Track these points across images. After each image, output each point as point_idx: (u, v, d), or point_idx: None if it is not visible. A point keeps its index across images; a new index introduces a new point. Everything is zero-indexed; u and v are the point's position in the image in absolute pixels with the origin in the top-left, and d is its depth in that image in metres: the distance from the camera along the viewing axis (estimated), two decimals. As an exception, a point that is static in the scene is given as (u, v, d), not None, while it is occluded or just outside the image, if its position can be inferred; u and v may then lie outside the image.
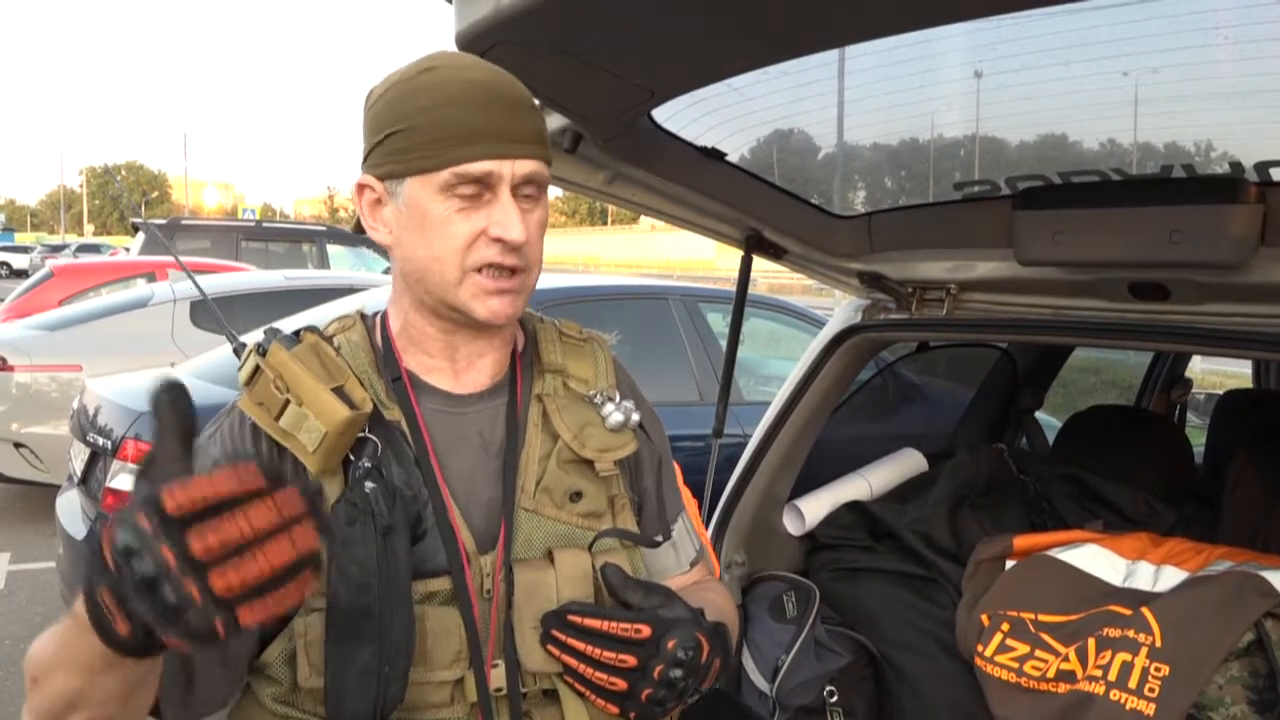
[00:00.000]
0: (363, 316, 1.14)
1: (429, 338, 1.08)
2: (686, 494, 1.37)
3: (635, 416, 1.15)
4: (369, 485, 0.99)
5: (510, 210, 0.99)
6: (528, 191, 1.02)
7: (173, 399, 0.74)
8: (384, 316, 1.13)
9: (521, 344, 1.16)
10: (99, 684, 0.80)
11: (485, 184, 0.99)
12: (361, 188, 1.05)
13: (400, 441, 1.04)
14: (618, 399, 1.15)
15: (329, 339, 1.08)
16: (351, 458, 1.01)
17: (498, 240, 0.99)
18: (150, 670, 0.82)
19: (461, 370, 1.10)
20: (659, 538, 1.20)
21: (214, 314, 1.32)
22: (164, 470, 0.71)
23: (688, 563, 1.25)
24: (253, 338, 1.06)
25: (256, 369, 1.01)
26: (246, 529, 0.66)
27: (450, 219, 0.99)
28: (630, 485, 1.17)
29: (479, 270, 1.01)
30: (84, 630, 0.74)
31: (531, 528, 1.07)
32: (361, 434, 1.01)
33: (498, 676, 1.02)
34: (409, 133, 0.98)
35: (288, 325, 1.15)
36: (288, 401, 0.98)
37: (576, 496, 1.09)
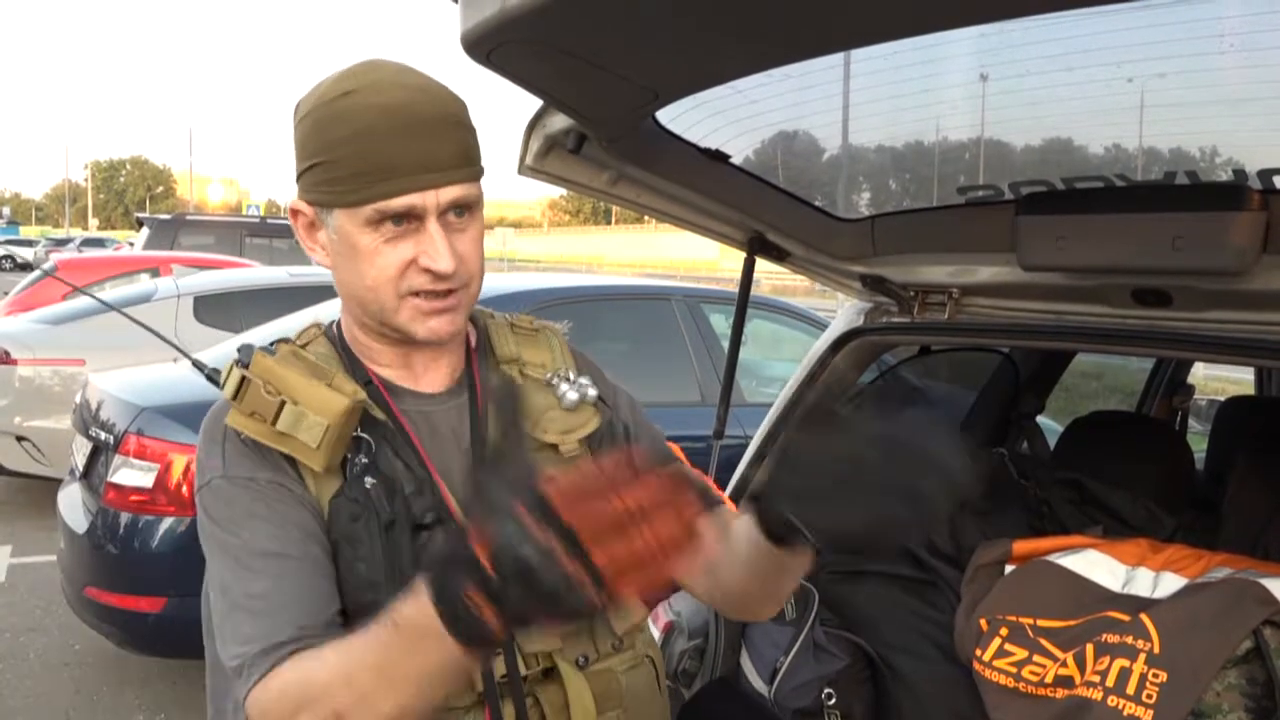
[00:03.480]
0: (321, 328, 1.15)
1: (379, 351, 1.10)
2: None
3: (591, 392, 1.16)
4: (369, 481, 0.99)
5: (438, 241, 0.99)
6: (458, 213, 1.01)
7: (507, 390, 0.78)
8: (339, 325, 1.14)
9: (475, 340, 1.17)
10: (438, 687, 0.81)
11: (410, 215, 0.99)
12: (295, 212, 1.06)
13: (394, 437, 1.05)
14: (572, 378, 1.16)
15: (302, 348, 1.09)
16: (348, 456, 1.01)
17: (427, 269, 1.00)
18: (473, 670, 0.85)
19: (420, 374, 1.11)
20: None
21: (184, 354, 1.32)
22: (516, 456, 0.74)
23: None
24: (231, 347, 1.06)
25: (242, 380, 1.00)
26: (621, 509, 0.68)
27: (379, 250, 0.99)
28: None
29: (415, 294, 1.01)
30: (425, 639, 0.76)
31: None
32: (355, 433, 1.02)
33: (498, 665, 1.04)
34: (330, 165, 0.98)
35: (285, 326, 1.16)
36: (283, 403, 0.98)
37: None
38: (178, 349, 1.28)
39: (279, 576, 0.95)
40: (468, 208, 1.02)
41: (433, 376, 1.12)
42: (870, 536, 0.83)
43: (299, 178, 1.03)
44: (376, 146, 0.96)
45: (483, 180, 1.06)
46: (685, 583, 1.21)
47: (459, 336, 1.12)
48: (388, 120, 0.96)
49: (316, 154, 0.99)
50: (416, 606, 0.76)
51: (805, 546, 0.87)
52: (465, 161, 1.00)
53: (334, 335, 1.13)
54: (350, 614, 0.97)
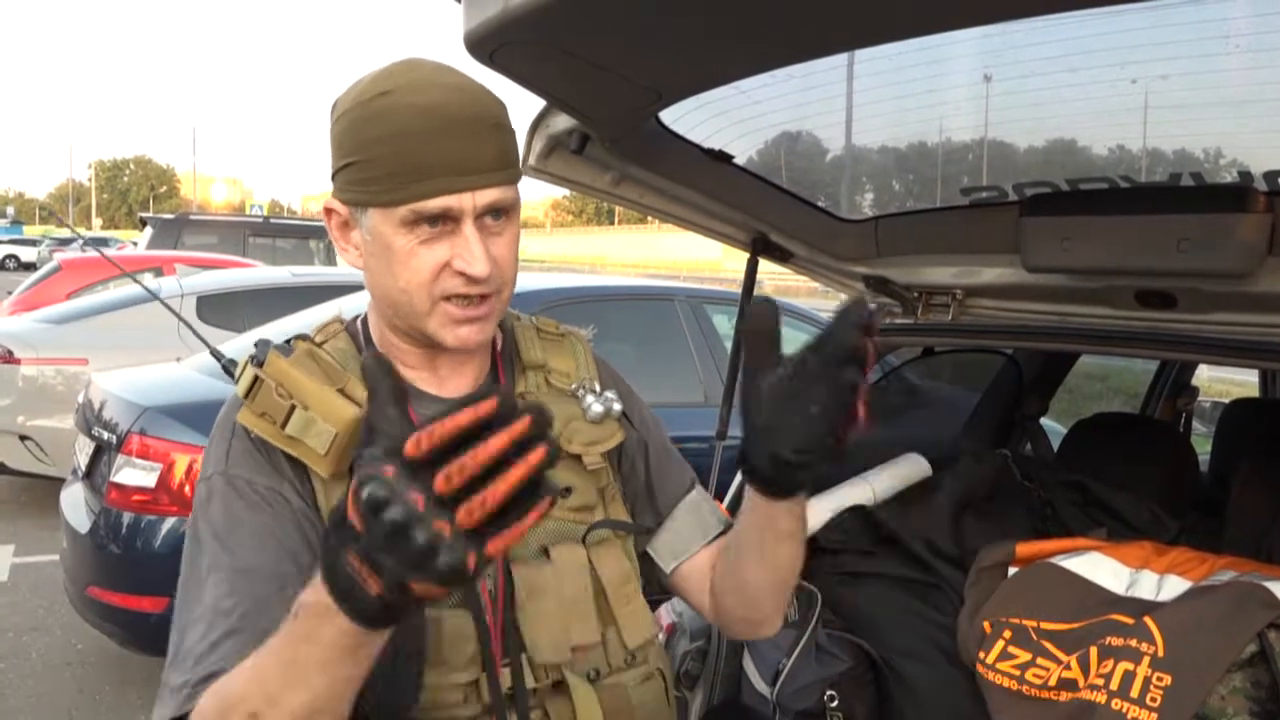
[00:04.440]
0: (344, 323, 1.14)
1: (406, 353, 1.09)
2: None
3: (616, 406, 1.15)
4: None
5: (473, 243, 0.98)
6: (494, 216, 1.00)
7: (380, 368, 0.75)
8: (364, 322, 1.13)
9: (500, 343, 1.17)
10: (339, 676, 0.78)
11: (446, 217, 0.97)
12: (329, 211, 1.05)
13: None
14: (598, 390, 1.16)
15: (319, 346, 1.08)
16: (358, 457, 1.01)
17: (461, 273, 0.99)
18: (370, 662, 0.81)
19: (444, 377, 1.10)
20: (652, 524, 1.20)
21: (204, 342, 1.33)
22: (389, 426, 0.72)
23: (715, 531, 1.22)
24: (244, 342, 1.05)
25: (255, 380, 0.99)
26: (484, 457, 0.65)
27: (414, 251, 0.98)
28: (614, 475, 1.18)
29: (447, 299, 1.00)
30: (319, 620, 0.74)
31: None
32: None
33: (506, 676, 1.03)
34: (366, 164, 0.97)
35: (288, 326, 1.15)
36: (293, 408, 0.97)
37: (566, 492, 1.10)
38: (201, 339, 1.28)
39: (245, 596, 0.94)
40: (505, 211, 1.01)
41: (457, 381, 1.11)
42: (811, 446, 0.93)
43: (334, 176, 1.02)
44: (413, 146, 0.95)
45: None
46: (694, 602, 1.22)
47: (487, 343, 1.11)
48: (425, 120, 0.95)
49: (352, 153, 0.98)
50: (312, 589, 0.75)
51: (790, 489, 1.00)
52: (503, 164, 0.99)
53: (356, 332, 1.12)
54: None
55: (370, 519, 0.67)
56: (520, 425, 0.66)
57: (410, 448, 0.66)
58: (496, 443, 0.65)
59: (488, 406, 0.66)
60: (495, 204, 0.99)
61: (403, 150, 0.95)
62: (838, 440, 0.92)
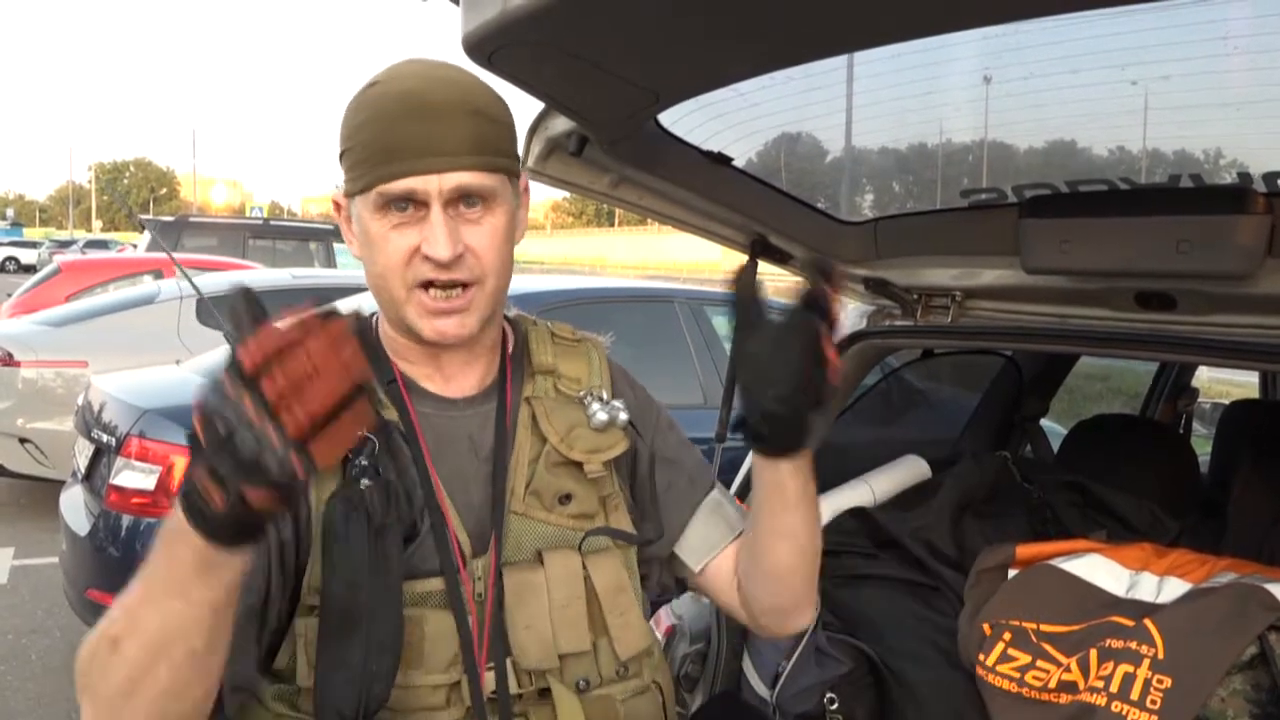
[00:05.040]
0: (358, 318, 1.14)
1: (407, 348, 1.09)
2: None
3: (622, 416, 1.14)
4: (364, 483, 0.98)
5: (438, 227, 0.97)
6: (469, 203, 0.99)
7: (245, 299, 0.77)
8: (377, 319, 1.13)
9: (511, 345, 1.16)
10: (194, 599, 0.80)
11: (414, 201, 0.97)
12: (336, 205, 1.07)
13: (398, 441, 1.03)
14: (605, 398, 1.15)
15: None
16: (349, 455, 1.01)
17: (429, 257, 0.98)
18: (231, 592, 0.82)
19: (450, 375, 1.10)
20: (655, 536, 1.18)
21: (213, 314, 1.34)
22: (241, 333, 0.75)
23: (739, 528, 1.20)
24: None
25: None
26: (307, 364, 0.70)
27: (386, 236, 0.99)
28: (621, 484, 1.16)
29: (422, 288, 1.00)
30: (176, 541, 0.77)
31: (521, 530, 1.07)
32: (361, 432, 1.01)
33: (490, 679, 1.02)
34: (350, 153, 0.99)
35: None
36: None
37: (566, 499, 1.09)
38: (216, 316, 1.29)
39: None
40: (482, 199, 1.00)
41: (462, 381, 1.10)
42: (788, 393, 0.95)
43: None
44: (383, 131, 0.96)
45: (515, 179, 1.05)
46: (725, 602, 1.21)
47: (483, 340, 1.10)
48: (400, 105, 0.96)
49: (342, 143, 1.01)
50: (173, 512, 0.77)
51: (783, 444, 1.01)
52: (476, 149, 0.98)
53: (369, 328, 1.12)
54: (330, 613, 0.96)
55: (207, 427, 0.71)
56: (339, 333, 0.71)
57: (244, 360, 0.70)
58: (314, 343, 0.70)
59: (311, 320, 0.71)
60: (464, 188, 0.98)
61: (376, 135, 0.96)
62: (811, 383, 0.95)
